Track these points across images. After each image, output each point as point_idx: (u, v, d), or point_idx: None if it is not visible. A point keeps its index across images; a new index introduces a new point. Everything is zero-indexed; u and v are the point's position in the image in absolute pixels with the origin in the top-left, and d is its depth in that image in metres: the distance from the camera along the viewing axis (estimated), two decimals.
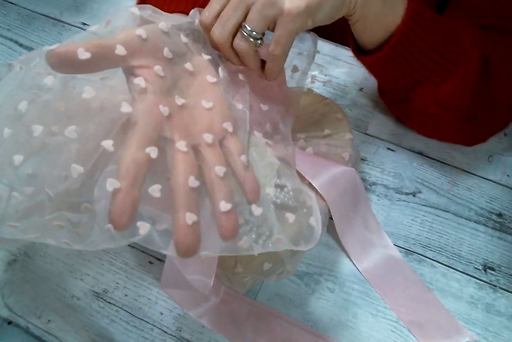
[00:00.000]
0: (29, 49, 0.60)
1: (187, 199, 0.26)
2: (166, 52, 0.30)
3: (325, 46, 0.58)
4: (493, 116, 0.46)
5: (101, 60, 0.27)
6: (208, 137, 0.29)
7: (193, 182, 0.26)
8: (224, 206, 0.27)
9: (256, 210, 0.31)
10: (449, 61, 0.40)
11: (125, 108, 0.27)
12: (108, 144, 0.26)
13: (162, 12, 0.35)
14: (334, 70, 0.57)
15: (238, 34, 0.34)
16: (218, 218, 0.27)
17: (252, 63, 0.36)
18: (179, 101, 0.30)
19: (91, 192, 0.27)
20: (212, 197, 0.27)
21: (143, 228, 0.27)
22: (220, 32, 0.34)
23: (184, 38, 0.33)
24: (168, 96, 0.29)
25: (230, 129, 0.31)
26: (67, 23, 0.62)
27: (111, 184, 0.24)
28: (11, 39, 0.60)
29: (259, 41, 0.35)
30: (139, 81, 0.28)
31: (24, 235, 0.28)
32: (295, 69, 0.43)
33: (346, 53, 0.58)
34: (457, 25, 0.41)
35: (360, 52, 0.43)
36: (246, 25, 0.33)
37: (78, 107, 0.30)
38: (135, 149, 0.25)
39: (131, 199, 0.25)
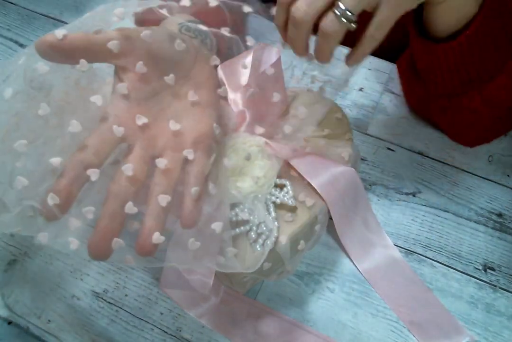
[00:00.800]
0: None
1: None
2: (159, 60, 0.30)
3: None
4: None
5: (89, 52, 0.27)
6: (161, 163, 0.29)
7: (130, 208, 0.28)
8: (158, 238, 0.28)
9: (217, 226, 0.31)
10: (500, 60, 0.39)
11: (98, 101, 0.28)
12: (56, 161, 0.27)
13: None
14: (334, 70, 0.56)
15: (330, 14, 0.30)
16: (139, 238, 0.28)
17: (329, 49, 0.33)
18: (154, 113, 0.30)
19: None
20: (144, 221, 0.28)
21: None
22: (306, 9, 0.30)
23: (194, 42, 0.33)
24: (145, 106, 0.30)
25: (191, 156, 0.30)
26: (67, 23, 0.62)
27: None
28: (11, 39, 0.60)
29: (353, 25, 0.30)
30: (122, 88, 0.29)
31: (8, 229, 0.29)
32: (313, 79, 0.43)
33: (346, 53, 0.57)
34: None
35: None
36: (341, 4, 0.29)
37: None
38: (85, 156, 0.26)
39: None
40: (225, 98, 0.38)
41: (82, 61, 0.27)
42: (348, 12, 0.29)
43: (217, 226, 0.31)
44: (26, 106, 0.29)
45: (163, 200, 0.28)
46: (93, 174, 0.27)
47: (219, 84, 0.35)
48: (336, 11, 0.29)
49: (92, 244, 0.26)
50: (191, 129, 0.31)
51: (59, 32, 0.27)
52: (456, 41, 0.38)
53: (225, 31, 0.35)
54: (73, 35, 0.27)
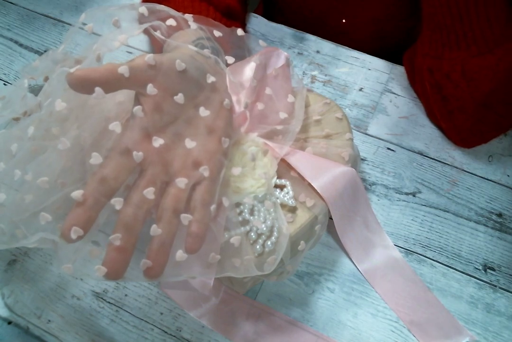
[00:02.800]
0: (29, 49, 0.60)
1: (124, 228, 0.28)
2: (177, 93, 0.31)
3: (325, 46, 0.58)
4: (505, 115, 0.46)
5: (115, 83, 0.29)
6: (181, 183, 0.30)
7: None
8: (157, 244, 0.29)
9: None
10: (494, 36, 0.39)
11: (113, 126, 0.29)
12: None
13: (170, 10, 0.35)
14: (334, 70, 0.56)
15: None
16: (148, 255, 0.29)
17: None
18: (169, 136, 0.31)
19: None
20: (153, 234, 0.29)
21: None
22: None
23: (209, 62, 0.34)
24: (160, 132, 0.31)
25: (206, 174, 0.31)
26: (67, 23, 0.62)
27: None
28: (11, 39, 0.60)
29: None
30: (137, 111, 0.30)
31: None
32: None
33: (346, 53, 0.57)
34: None
35: None
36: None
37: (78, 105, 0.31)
38: (100, 180, 0.28)
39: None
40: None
41: (98, 89, 0.28)
42: None
43: (235, 240, 0.32)
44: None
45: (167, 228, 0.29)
46: (117, 202, 0.28)
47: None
48: None
49: (107, 265, 0.27)
50: (201, 149, 0.32)
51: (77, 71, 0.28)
52: None
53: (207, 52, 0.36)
54: (95, 70, 0.28)
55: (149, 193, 0.28)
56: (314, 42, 0.58)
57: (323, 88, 0.55)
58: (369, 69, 0.56)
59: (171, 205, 0.29)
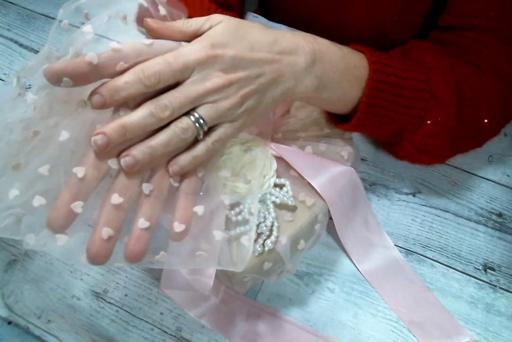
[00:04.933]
0: (29, 49, 0.60)
1: (107, 214, 0.27)
2: None
3: None
4: (480, 135, 0.45)
5: (86, 72, 0.28)
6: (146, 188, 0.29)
7: (116, 198, 0.28)
8: (143, 223, 0.29)
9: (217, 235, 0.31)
10: (421, 108, 0.38)
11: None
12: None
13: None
14: None
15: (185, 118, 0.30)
16: (128, 240, 0.29)
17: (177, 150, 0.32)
18: None
19: None
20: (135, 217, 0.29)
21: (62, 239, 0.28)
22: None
23: None
24: None
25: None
26: None
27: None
28: (11, 39, 0.60)
29: (201, 135, 0.31)
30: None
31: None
32: None
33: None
34: (425, 68, 0.39)
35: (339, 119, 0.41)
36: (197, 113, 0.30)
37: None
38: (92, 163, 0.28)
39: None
40: None
41: (65, 79, 0.27)
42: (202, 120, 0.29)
43: (217, 234, 0.32)
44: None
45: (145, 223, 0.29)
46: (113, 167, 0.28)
47: None
48: (192, 117, 0.29)
49: (90, 248, 0.27)
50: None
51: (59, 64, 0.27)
52: (351, 124, 0.38)
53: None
54: (69, 62, 0.28)
55: (133, 182, 0.28)
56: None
57: None
58: None
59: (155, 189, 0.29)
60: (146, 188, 0.29)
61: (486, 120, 0.42)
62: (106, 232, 0.27)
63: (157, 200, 0.29)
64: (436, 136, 0.40)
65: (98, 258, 0.27)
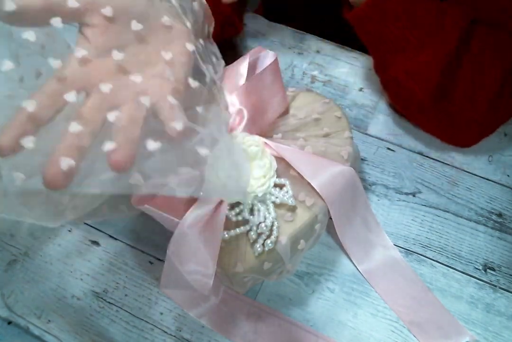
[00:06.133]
0: None
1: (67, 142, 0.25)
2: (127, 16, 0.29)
3: (325, 46, 0.58)
4: (469, 109, 0.46)
5: (49, 13, 0.26)
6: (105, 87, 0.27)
7: (75, 126, 0.26)
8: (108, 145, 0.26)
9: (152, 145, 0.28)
10: (425, 31, 0.41)
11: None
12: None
13: None
14: (334, 70, 0.57)
15: None
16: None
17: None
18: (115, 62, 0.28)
19: None
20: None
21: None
22: None
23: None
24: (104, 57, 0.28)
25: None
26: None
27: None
28: None
29: None
30: (79, 52, 0.27)
31: None
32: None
33: (346, 53, 0.58)
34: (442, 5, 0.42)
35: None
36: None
37: None
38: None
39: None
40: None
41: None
42: None
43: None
44: None
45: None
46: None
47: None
48: None
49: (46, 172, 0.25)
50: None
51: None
52: (359, 9, 0.42)
53: None
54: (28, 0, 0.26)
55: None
56: (314, 42, 0.58)
57: (323, 88, 0.55)
58: (369, 69, 0.56)
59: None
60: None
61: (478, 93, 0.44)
62: (64, 161, 0.25)
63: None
64: (430, 66, 0.42)
65: (54, 183, 0.25)
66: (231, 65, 0.42)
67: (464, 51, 0.43)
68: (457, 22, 0.42)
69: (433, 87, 0.44)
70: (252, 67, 0.41)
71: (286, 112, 0.43)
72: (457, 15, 0.42)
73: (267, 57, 0.41)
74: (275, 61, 0.40)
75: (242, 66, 0.40)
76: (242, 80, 0.40)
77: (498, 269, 0.46)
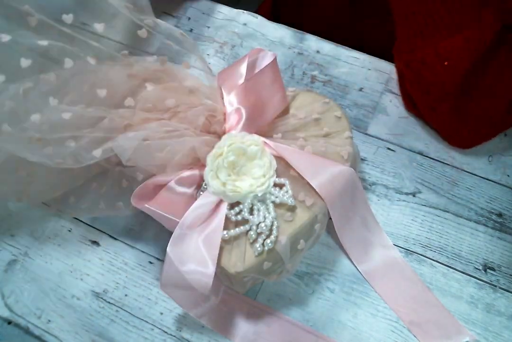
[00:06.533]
0: None
1: None
2: None
3: (325, 46, 0.58)
4: (488, 107, 0.46)
5: None
6: None
7: None
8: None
9: None
10: (465, 18, 0.41)
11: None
12: None
13: None
14: (334, 70, 0.57)
15: None
16: None
17: None
18: None
19: None
20: None
21: None
22: None
23: None
24: None
25: None
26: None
27: None
28: None
29: None
30: None
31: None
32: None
33: (346, 53, 0.58)
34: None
35: None
36: None
37: None
38: None
39: None
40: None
41: None
42: None
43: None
44: None
45: None
46: None
47: None
48: None
49: None
50: None
51: None
52: None
53: None
54: None
55: None
56: (314, 42, 0.58)
57: (323, 88, 0.55)
58: (369, 69, 0.56)
59: None
60: None
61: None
62: None
63: None
64: (460, 53, 0.42)
65: None
66: (230, 65, 0.42)
67: (495, 51, 0.43)
68: (491, 22, 0.42)
69: (460, 76, 0.44)
70: (251, 68, 0.41)
71: (286, 112, 0.43)
72: (490, 15, 0.42)
73: (266, 57, 0.41)
74: (274, 61, 0.41)
75: (241, 66, 0.40)
76: (241, 80, 0.40)
77: (498, 269, 0.46)
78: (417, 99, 0.50)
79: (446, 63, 0.43)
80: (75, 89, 0.35)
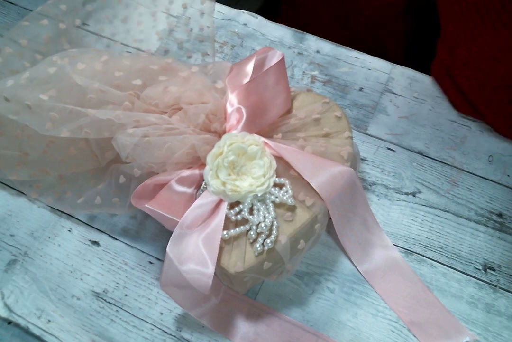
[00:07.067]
0: None
1: None
2: None
3: (325, 46, 0.58)
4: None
5: None
6: None
7: None
8: None
9: None
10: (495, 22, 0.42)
11: None
12: None
13: None
14: (334, 70, 0.57)
15: None
16: None
17: None
18: None
19: None
20: None
21: None
22: None
23: None
24: None
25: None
26: None
27: None
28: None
29: None
30: None
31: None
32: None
33: (346, 53, 0.58)
34: None
35: None
36: None
37: None
38: None
39: None
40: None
41: None
42: None
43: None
44: None
45: None
46: None
47: None
48: None
49: None
50: None
51: None
52: None
53: None
54: None
55: None
56: (314, 42, 0.58)
57: (323, 88, 0.55)
58: (369, 69, 0.56)
59: None
60: None
61: None
62: None
63: None
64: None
65: None
66: (237, 63, 0.42)
67: None
68: None
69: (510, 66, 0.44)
70: (259, 66, 0.41)
71: (288, 112, 0.43)
72: None
73: (275, 57, 0.41)
74: (281, 61, 0.40)
75: (248, 65, 0.40)
76: (246, 79, 0.40)
77: (498, 269, 0.46)
78: (473, 95, 0.50)
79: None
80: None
